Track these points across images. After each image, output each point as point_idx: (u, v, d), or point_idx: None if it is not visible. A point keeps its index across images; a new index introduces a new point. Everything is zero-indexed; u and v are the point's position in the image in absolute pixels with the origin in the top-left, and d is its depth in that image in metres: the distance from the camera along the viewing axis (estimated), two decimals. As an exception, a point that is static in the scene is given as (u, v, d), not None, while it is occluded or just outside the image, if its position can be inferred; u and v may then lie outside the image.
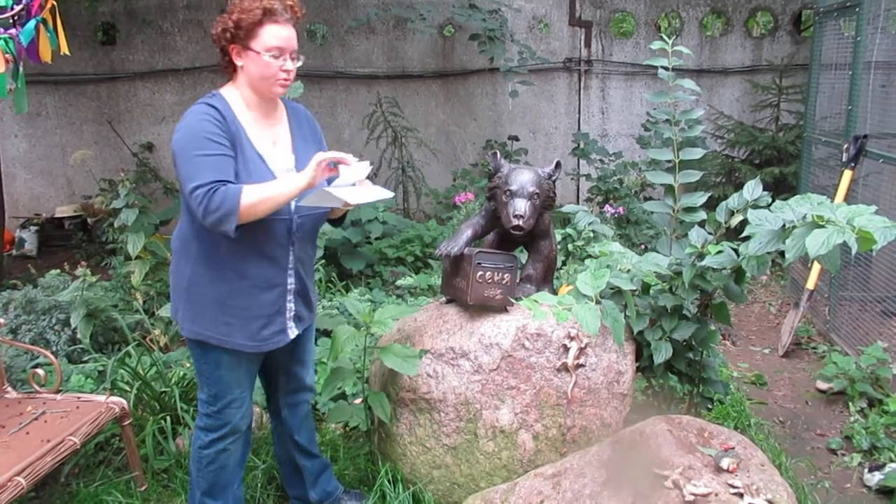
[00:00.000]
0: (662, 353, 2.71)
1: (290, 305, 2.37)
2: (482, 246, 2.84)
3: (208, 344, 2.29)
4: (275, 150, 2.29)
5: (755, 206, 2.54)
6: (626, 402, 2.68)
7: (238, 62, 2.20)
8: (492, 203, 2.72)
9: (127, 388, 3.24)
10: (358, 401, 3.22)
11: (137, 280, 4.32)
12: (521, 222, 2.58)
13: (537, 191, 2.62)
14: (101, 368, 3.52)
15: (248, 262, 2.23)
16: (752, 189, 2.62)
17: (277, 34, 2.17)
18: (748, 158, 6.49)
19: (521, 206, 2.58)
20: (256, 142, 2.25)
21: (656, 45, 2.85)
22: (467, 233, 2.71)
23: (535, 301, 2.33)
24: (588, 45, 6.99)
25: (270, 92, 2.24)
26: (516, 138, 6.96)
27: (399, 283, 4.58)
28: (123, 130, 7.16)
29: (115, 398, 2.89)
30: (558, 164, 2.72)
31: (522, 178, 2.62)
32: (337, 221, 2.54)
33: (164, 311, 3.75)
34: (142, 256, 4.38)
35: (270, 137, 2.30)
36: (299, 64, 2.26)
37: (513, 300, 2.65)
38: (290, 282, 2.34)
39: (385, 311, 2.70)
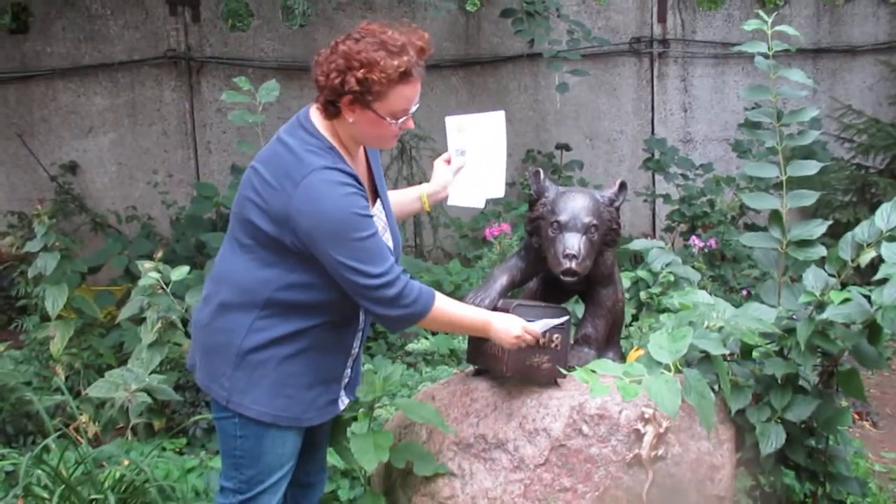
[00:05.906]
0: (772, 441, 2.72)
1: (349, 371, 2.60)
2: (522, 296, 2.89)
3: (258, 420, 2.44)
4: (372, 206, 2.50)
5: (892, 238, 2.58)
6: (724, 508, 2.70)
7: (349, 118, 2.35)
8: (534, 238, 2.78)
9: (46, 494, 3.29)
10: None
11: (58, 348, 4.39)
12: (573, 264, 2.62)
13: (595, 222, 2.67)
14: (10, 468, 3.58)
15: (324, 322, 2.44)
16: (889, 214, 2.66)
17: (408, 96, 2.36)
18: (888, 168, 6.50)
19: (573, 242, 2.63)
20: None
21: (751, 24, 2.91)
22: (502, 279, 2.77)
23: (593, 371, 2.37)
24: (663, 19, 7.10)
25: (378, 147, 2.57)
26: (567, 147, 7.03)
27: (410, 346, 4.63)
28: (38, 146, 7.28)
29: (30, 509, 2.94)
30: (623, 185, 2.78)
31: (575, 206, 2.68)
32: None
33: (94, 391, 3.82)
34: (63, 316, 4.46)
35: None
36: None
37: (564, 371, 2.69)
38: (355, 346, 2.59)
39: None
